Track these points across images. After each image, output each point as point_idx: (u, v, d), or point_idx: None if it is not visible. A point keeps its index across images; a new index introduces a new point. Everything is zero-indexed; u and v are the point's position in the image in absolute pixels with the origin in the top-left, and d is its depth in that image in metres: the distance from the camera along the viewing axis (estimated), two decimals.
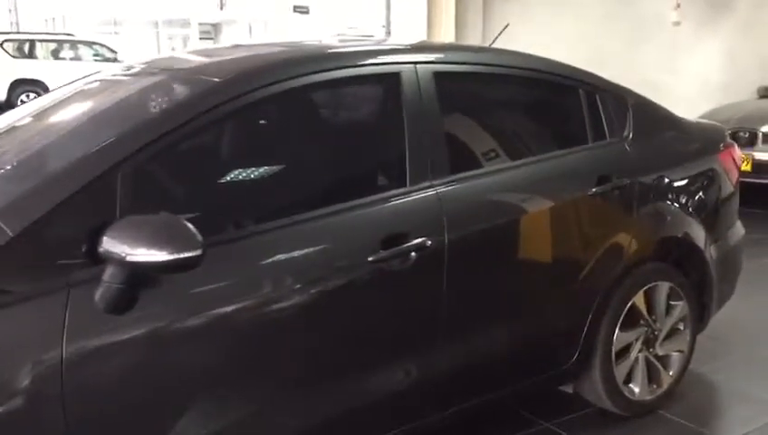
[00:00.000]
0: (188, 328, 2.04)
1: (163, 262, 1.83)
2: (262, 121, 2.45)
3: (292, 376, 2.26)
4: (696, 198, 3.37)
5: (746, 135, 7.26)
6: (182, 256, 1.83)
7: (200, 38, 22.32)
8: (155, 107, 2.15)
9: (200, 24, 23.14)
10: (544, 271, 2.83)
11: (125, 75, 2.70)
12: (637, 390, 3.20)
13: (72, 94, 2.65)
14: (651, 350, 3.22)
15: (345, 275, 2.30)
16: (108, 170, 1.97)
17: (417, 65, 2.59)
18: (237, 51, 2.93)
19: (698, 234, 3.31)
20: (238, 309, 2.11)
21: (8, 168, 2.08)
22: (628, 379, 3.18)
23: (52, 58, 17.51)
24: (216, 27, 23.62)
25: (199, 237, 1.86)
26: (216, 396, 2.11)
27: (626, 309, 3.08)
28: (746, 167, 6.92)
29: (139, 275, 1.89)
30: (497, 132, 2.93)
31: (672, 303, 3.27)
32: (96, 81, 2.72)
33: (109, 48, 18.28)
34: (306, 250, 2.25)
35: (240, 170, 2.35)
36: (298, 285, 2.20)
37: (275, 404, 2.23)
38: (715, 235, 3.43)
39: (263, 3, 22.58)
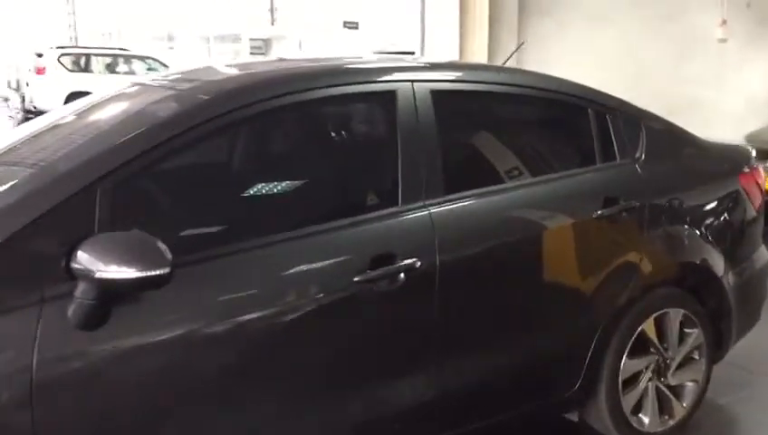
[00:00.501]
0: (163, 346, 2.03)
1: (132, 279, 1.83)
2: (249, 139, 2.45)
3: (270, 399, 2.23)
4: (715, 222, 3.24)
5: None
6: (150, 273, 1.83)
7: (251, 53, 22.69)
8: (139, 124, 2.16)
9: (251, 39, 23.53)
10: (544, 295, 2.75)
11: (132, 90, 2.73)
12: (646, 420, 3.08)
13: (79, 109, 2.69)
14: (662, 379, 3.10)
15: (330, 295, 2.27)
16: (87, 186, 1.98)
17: (415, 83, 2.55)
18: (246, 67, 2.94)
19: (715, 259, 3.18)
20: (215, 328, 2.10)
21: None
22: (638, 409, 3.07)
23: (106, 72, 17.98)
24: (266, 42, 23.97)
25: (168, 255, 1.85)
26: (186, 417, 2.09)
27: (634, 336, 2.97)
28: None
29: (112, 292, 1.89)
30: (497, 153, 2.87)
31: (686, 330, 3.15)
32: (106, 96, 2.75)
33: (161, 62, 18.71)
34: (289, 269, 2.23)
35: (225, 188, 2.35)
36: (279, 304, 2.18)
37: (251, 428, 2.20)
38: (736, 261, 3.30)
39: (313, 19, 22.85)
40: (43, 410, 1.86)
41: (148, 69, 18.34)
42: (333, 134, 2.62)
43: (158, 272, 1.83)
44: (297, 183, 2.47)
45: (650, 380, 3.07)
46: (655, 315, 3.03)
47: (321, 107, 2.51)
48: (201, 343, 2.08)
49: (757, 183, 3.43)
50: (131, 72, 17.98)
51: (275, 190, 2.41)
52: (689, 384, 3.20)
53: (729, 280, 3.23)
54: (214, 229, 2.26)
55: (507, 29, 7.09)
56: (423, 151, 2.50)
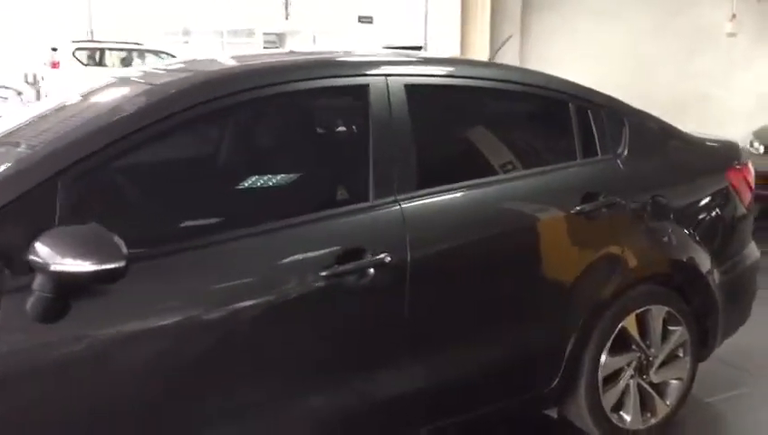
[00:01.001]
0: (124, 340, 2.03)
1: (87, 272, 1.83)
2: (216, 134, 2.45)
3: (234, 396, 2.22)
4: (701, 219, 3.20)
5: None
6: (105, 267, 1.84)
7: (264, 47, 22.72)
8: (103, 118, 2.17)
9: (265, 33, 23.55)
10: (520, 291, 2.73)
11: (110, 84, 2.73)
12: (628, 418, 3.05)
13: (60, 102, 2.70)
14: (645, 376, 3.07)
15: (296, 290, 2.26)
16: (48, 179, 1.99)
17: (388, 77, 2.54)
18: (218, 62, 2.90)
19: (701, 257, 3.14)
20: (175, 323, 2.09)
21: None
22: (619, 406, 3.04)
23: (121, 66, 18.08)
24: (280, 37, 23.99)
25: (124, 250, 1.86)
26: (145, 410, 2.09)
27: (614, 333, 2.94)
28: None
29: (69, 285, 1.89)
30: (473, 147, 2.85)
31: (670, 328, 3.11)
32: (87, 90, 2.75)
33: (175, 57, 18.78)
34: (253, 263, 2.22)
35: (189, 182, 2.34)
36: (242, 299, 2.18)
37: (214, 425, 2.20)
38: (723, 258, 3.25)
39: (327, 13, 22.80)
40: (2, 404, 1.88)
41: None
42: (303, 128, 2.61)
43: (112, 265, 1.84)
44: (264, 178, 2.46)
45: (632, 377, 3.03)
46: (636, 312, 3.00)
47: (291, 101, 2.50)
48: (161, 338, 2.08)
49: (746, 179, 3.38)
50: None
51: (242, 185, 2.40)
52: (673, 382, 3.17)
53: (715, 278, 3.19)
54: (176, 224, 2.25)
55: (510, 24, 7.04)
56: (396, 146, 2.48)
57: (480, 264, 2.61)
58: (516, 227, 2.70)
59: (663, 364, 3.11)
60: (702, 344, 3.24)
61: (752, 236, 3.51)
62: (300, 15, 23.79)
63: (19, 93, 15.42)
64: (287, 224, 2.29)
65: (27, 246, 1.89)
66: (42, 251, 1.85)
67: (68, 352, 1.96)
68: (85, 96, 2.57)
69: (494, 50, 3.21)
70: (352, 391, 2.42)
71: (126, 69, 16.72)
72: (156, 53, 18.96)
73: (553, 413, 3.09)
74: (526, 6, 7.25)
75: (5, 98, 14.59)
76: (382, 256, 2.36)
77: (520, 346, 2.74)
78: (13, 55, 20.01)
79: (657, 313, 3.05)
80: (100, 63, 17.87)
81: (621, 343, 2.99)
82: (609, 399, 2.99)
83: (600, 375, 2.94)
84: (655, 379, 3.09)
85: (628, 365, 3.02)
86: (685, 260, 3.11)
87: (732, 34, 8.56)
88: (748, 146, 7.28)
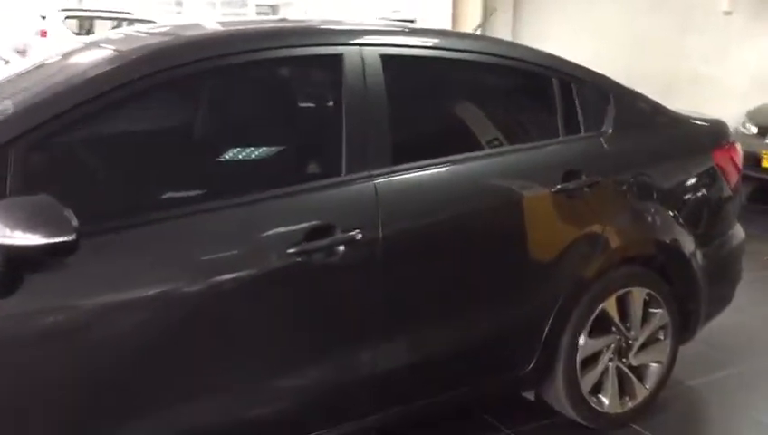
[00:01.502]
0: (79, 317, 1.96)
1: (36, 246, 1.76)
2: (178, 102, 2.34)
3: (198, 377, 2.15)
4: (685, 199, 3.13)
5: None
6: (54, 240, 1.76)
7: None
8: (58, 86, 2.07)
9: (258, 5, 23.24)
10: (496, 272, 2.66)
11: (78, 50, 2.62)
12: (606, 401, 3.00)
13: (25, 68, 2.59)
14: (624, 360, 3.01)
15: (261, 267, 2.18)
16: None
17: (363, 47, 2.44)
18: (198, 27, 2.79)
19: (684, 238, 3.07)
20: (133, 300, 2.02)
21: None
22: (597, 389, 2.98)
23: None
24: (273, 8, 23.68)
25: (74, 223, 1.78)
26: (102, 388, 2.02)
27: (594, 315, 2.88)
28: None
29: (19, 259, 1.81)
30: (451, 122, 2.76)
31: (651, 310, 3.05)
32: (54, 55, 2.64)
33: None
34: (216, 239, 2.14)
35: (148, 154, 2.25)
36: (202, 276, 2.10)
37: (176, 408, 2.13)
38: (707, 240, 3.18)
39: None
40: None
41: None
42: (273, 100, 2.50)
43: (62, 239, 1.76)
44: (230, 151, 2.38)
45: (611, 360, 2.98)
46: (617, 294, 2.94)
47: (260, 70, 2.40)
48: (118, 315, 2.00)
49: (733, 160, 3.30)
50: None
51: (206, 158, 2.31)
52: (653, 365, 3.11)
53: (699, 259, 3.13)
54: (135, 197, 2.16)
55: None
56: (370, 120, 2.40)
57: (455, 242, 2.54)
58: (494, 205, 2.62)
59: (643, 347, 3.05)
60: (683, 327, 3.18)
61: (738, 218, 3.44)
62: None
63: (6, 62, 15.21)
64: (253, 198, 2.21)
65: None
66: None
67: (18, 328, 1.88)
68: (43, 63, 2.46)
69: (479, 24, 3.09)
70: (321, 372, 2.36)
71: (94, 35, 16.50)
72: (147, 22, 18.71)
73: (531, 396, 3.03)
74: None
75: None
76: (353, 232, 2.28)
77: (496, 327, 2.68)
78: (3, 24, 19.76)
79: (638, 295, 2.99)
80: (90, 32, 17.62)
81: (601, 326, 2.93)
82: (587, 382, 2.93)
83: (579, 358, 2.88)
84: (634, 362, 3.03)
85: (608, 348, 2.96)
86: (667, 241, 3.04)
87: (728, 13, 8.44)
88: (741, 127, 7.20)
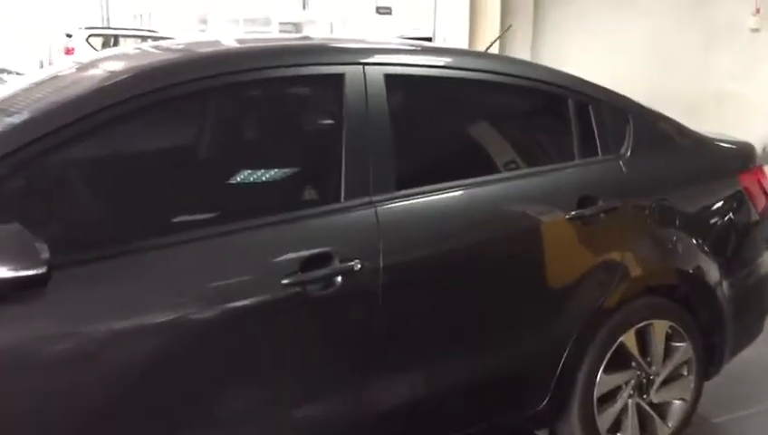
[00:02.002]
0: (56, 351, 1.83)
1: (4, 279, 1.64)
2: (162, 125, 2.22)
3: (180, 419, 2.02)
4: (710, 226, 2.96)
5: None
6: (23, 274, 1.65)
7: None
8: (38, 109, 1.96)
9: (281, 23, 23.32)
10: (505, 304, 2.50)
11: (69, 70, 2.52)
12: None
13: (20, 86, 2.50)
14: (645, 396, 2.84)
15: (252, 299, 2.05)
16: None
17: (366, 66, 2.32)
18: (196, 45, 2.68)
19: (709, 267, 2.90)
20: (116, 335, 1.89)
21: None
22: (616, 428, 2.81)
23: None
24: (297, 26, 23.75)
25: (44, 255, 1.66)
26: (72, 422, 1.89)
27: (612, 350, 2.71)
28: None
29: None
30: (459, 145, 2.62)
31: (673, 344, 2.88)
32: (47, 74, 2.55)
33: None
34: (204, 270, 2.01)
35: (133, 180, 2.12)
36: (189, 310, 1.97)
37: None
38: (733, 269, 3.00)
39: (346, 3, 22.60)
40: None
41: None
42: (269, 122, 2.39)
43: (31, 272, 1.64)
44: (223, 176, 2.25)
45: (630, 397, 2.80)
46: (637, 327, 2.76)
47: (255, 91, 2.28)
48: (94, 351, 1.87)
49: (761, 183, 3.12)
50: None
51: (196, 184, 2.18)
52: (676, 402, 2.93)
53: (725, 290, 2.95)
54: (115, 226, 2.04)
55: (522, 16, 6.76)
56: (372, 142, 2.26)
57: (462, 274, 2.39)
58: (504, 234, 2.47)
59: (665, 383, 2.87)
60: (709, 362, 3.00)
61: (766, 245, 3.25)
62: (318, 5, 23.56)
63: (3, 81, 15.37)
64: (245, 226, 2.08)
65: None
66: None
67: None
68: (33, 84, 2.35)
69: (492, 41, 2.96)
70: (317, 411, 2.21)
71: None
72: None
73: (544, 434, 2.86)
74: None
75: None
76: (352, 263, 2.15)
77: (507, 363, 2.52)
78: (30, 41, 20.03)
79: (660, 327, 2.81)
80: None
81: (619, 360, 2.75)
82: (604, 420, 2.75)
83: (596, 394, 2.71)
84: (656, 399, 2.86)
85: (627, 384, 2.79)
86: (691, 271, 2.87)
87: (755, 30, 8.24)
88: None
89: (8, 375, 1.78)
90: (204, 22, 24.48)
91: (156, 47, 2.60)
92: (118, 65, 2.25)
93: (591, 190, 2.63)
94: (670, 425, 2.92)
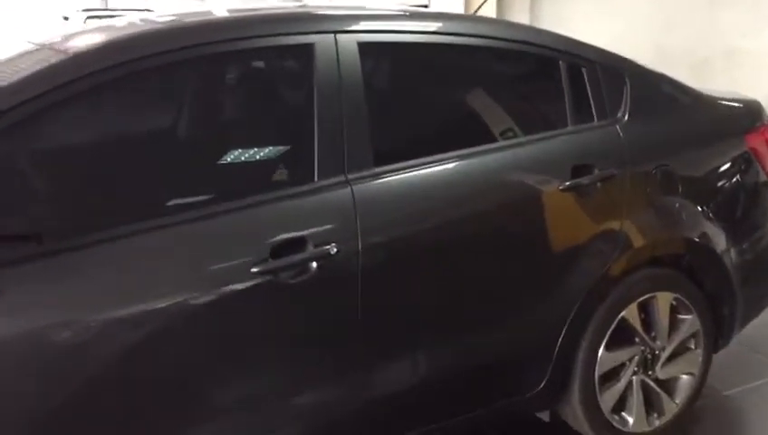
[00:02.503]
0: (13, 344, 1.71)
1: None
2: (121, 104, 2.06)
3: (144, 415, 1.89)
4: (715, 190, 2.79)
5: None
6: None
7: None
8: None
9: None
10: (495, 283, 2.36)
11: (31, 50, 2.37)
12: (630, 420, 2.68)
13: None
14: (650, 373, 2.69)
15: (220, 290, 1.91)
16: None
17: (338, 34, 2.15)
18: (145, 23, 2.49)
19: (715, 234, 2.74)
20: (75, 328, 1.78)
21: None
22: (620, 406, 2.67)
23: None
24: None
25: None
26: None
27: (613, 325, 2.57)
28: None
29: None
30: (440, 116, 2.45)
31: (679, 317, 2.73)
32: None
33: None
34: (168, 260, 1.88)
35: (89, 163, 1.97)
36: (153, 303, 1.84)
37: None
38: (741, 236, 2.84)
39: None
40: None
41: None
42: (234, 98, 2.23)
43: None
44: (186, 157, 2.10)
45: (635, 374, 2.66)
46: (639, 301, 2.62)
47: (216, 65, 2.12)
48: (48, 346, 1.75)
49: None
50: None
51: (155, 167, 2.02)
52: (683, 378, 2.79)
53: (732, 257, 2.79)
54: (73, 215, 1.89)
55: None
56: (346, 117, 2.11)
57: (447, 254, 2.24)
58: (491, 209, 2.32)
59: (671, 358, 2.73)
60: (717, 333, 2.85)
61: None
62: None
63: None
64: (209, 212, 1.94)
65: None
66: None
67: None
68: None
69: (480, 4, 2.76)
70: (296, 408, 2.09)
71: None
72: None
73: (545, 416, 2.73)
74: None
75: None
76: (327, 247, 2.00)
77: (498, 346, 2.38)
78: (25, 24, 19.85)
79: (664, 300, 2.66)
80: None
81: (621, 336, 2.61)
82: (608, 399, 2.62)
83: (597, 373, 2.57)
84: (662, 375, 2.71)
85: (630, 361, 2.65)
86: (696, 239, 2.70)
87: None
88: None
89: None
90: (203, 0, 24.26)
91: (120, 23, 2.42)
92: (74, 43, 2.09)
93: (586, 158, 2.47)
94: (678, 401, 2.78)
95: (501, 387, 2.45)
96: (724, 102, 2.96)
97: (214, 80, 2.19)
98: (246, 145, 2.14)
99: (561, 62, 2.53)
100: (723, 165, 2.81)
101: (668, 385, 2.76)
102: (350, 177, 2.09)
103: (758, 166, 2.90)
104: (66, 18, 17.84)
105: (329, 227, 2.04)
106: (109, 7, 20.91)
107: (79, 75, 1.83)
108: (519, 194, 2.36)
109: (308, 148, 2.08)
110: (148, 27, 2.18)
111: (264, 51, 2.14)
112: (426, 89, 2.44)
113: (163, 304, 1.84)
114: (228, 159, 2.11)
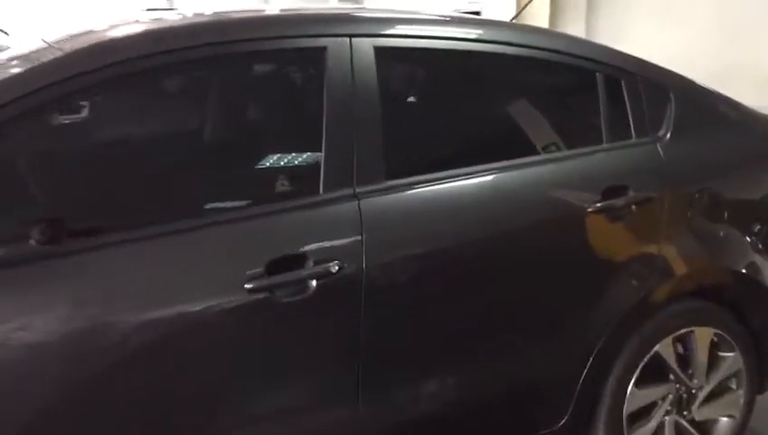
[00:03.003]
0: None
1: None
2: (118, 106, 1.96)
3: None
4: (763, 218, 2.56)
5: None
6: None
7: None
8: None
9: None
10: (512, 308, 2.18)
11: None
12: None
13: None
14: (685, 413, 2.48)
15: (208, 307, 1.79)
16: None
17: (353, 38, 2.02)
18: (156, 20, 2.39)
19: (762, 265, 2.51)
20: (57, 345, 1.67)
21: None
22: None
23: None
24: None
25: None
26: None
27: (645, 360, 2.37)
28: None
29: None
30: (461, 129, 2.28)
31: (720, 354, 2.51)
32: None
33: None
34: (155, 272, 1.77)
35: (83, 168, 1.87)
36: (137, 317, 1.73)
37: None
38: None
39: None
40: None
41: None
42: (236, 103, 2.12)
43: None
44: (181, 166, 1.98)
45: (668, 414, 2.46)
46: (675, 335, 2.41)
47: (218, 68, 2.00)
48: (31, 361, 1.66)
49: None
50: None
51: (145, 175, 1.91)
52: (722, 420, 2.57)
53: None
54: (60, 222, 1.79)
55: None
56: (358, 126, 1.97)
57: (461, 275, 2.08)
58: (512, 230, 2.14)
59: (709, 398, 2.51)
60: (762, 374, 2.62)
61: None
62: None
63: None
64: (204, 222, 1.83)
65: None
66: None
67: None
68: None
69: (519, 11, 2.60)
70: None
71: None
72: None
73: None
74: None
75: None
76: (328, 264, 1.87)
77: (513, 377, 2.20)
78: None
79: (703, 335, 2.45)
80: None
81: (655, 373, 2.41)
82: None
83: (626, 411, 2.38)
84: (698, 416, 2.50)
85: (663, 399, 2.44)
86: (741, 269, 2.49)
87: None
88: None
89: None
90: None
91: (119, 22, 2.33)
92: (73, 42, 2.00)
93: (620, 179, 2.28)
94: None
95: (515, 422, 2.27)
96: None
97: (214, 84, 2.08)
98: (248, 152, 2.03)
99: (597, 74, 2.35)
100: None
101: (705, 427, 2.54)
102: (358, 190, 1.95)
103: None
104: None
105: (331, 243, 1.90)
106: (173, 7, 21.25)
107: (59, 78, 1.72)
108: (543, 216, 2.19)
109: (313, 158, 1.95)
110: (150, 27, 2.07)
111: (270, 54, 2.01)
112: (447, 99, 2.28)
113: (147, 318, 1.73)
114: (227, 167, 1.99)
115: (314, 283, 1.86)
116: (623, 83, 2.38)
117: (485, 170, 2.13)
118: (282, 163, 2.05)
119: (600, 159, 2.32)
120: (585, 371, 2.28)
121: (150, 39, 1.89)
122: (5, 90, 1.69)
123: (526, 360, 2.22)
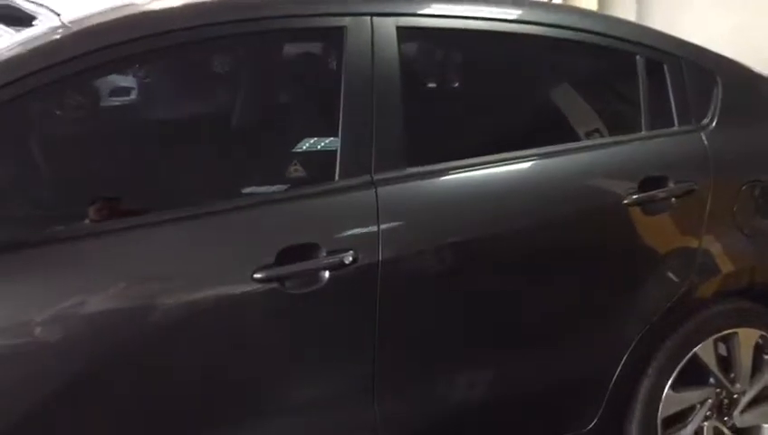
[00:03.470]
0: None
1: None
2: (124, 88, 1.91)
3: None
4: None
5: None
6: None
7: None
8: None
9: None
10: (539, 304, 2.07)
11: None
12: None
13: None
14: (726, 419, 2.34)
15: (215, 295, 1.72)
16: None
17: (374, 17, 1.92)
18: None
19: None
20: (60, 331, 1.63)
21: None
22: None
23: None
24: None
25: None
26: None
27: (683, 361, 2.24)
28: None
29: None
30: (488, 114, 2.16)
31: (766, 357, 2.36)
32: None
33: None
34: (161, 260, 1.71)
35: (78, 153, 1.83)
36: (143, 306, 1.67)
37: None
38: None
39: None
40: None
41: None
42: (250, 84, 2.03)
43: None
44: (192, 151, 1.91)
45: (706, 419, 2.32)
46: (716, 336, 2.27)
47: (230, 48, 1.93)
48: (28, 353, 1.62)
49: None
50: None
51: (153, 158, 1.85)
52: (766, 427, 2.41)
53: None
54: (63, 207, 1.76)
55: None
56: (378, 110, 1.87)
57: (484, 269, 1.97)
58: (541, 222, 2.02)
59: (753, 404, 2.37)
60: None
61: None
62: None
63: None
64: (213, 209, 1.76)
65: None
66: None
67: None
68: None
69: None
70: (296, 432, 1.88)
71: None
72: None
73: None
74: None
75: None
76: (342, 255, 1.78)
77: (539, 375, 2.09)
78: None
79: (747, 337, 2.31)
80: None
81: (694, 375, 2.27)
82: None
83: (661, 415, 2.25)
84: (740, 423, 2.36)
85: (702, 404, 2.30)
86: None
87: None
88: None
89: None
90: None
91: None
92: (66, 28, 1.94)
93: (659, 170, 2.14)
94: None
95: (542, 423, 2.17)
96: None
97: (227, 64, 2.01)
98: (261, 136, 1.95)
99: (638, 57, 2.20)
100: None
101: None
102: (376, 177, 1.86)
103: None
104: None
105: (346, 232, 1.81)
106: None
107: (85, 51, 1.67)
108: (575, 207, 2.06)
109: (330, 142, 1.86)
110: (160, 6, 2.00)
111: (286, 33, 1.93)
112: (474, 82, 2.17)
113: (150, 306, 1.68)
114: (239, 151, 1.92)
115: (327, 274, 1.78)
116: (665, 67, 2.23)
117: (512, 159, 2.01)
118: (296, 148, 1.97)
119: (637, 148, 2.18)
120: (618, 371, 2.16)
121: (194, 12, 1.82)
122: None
123: (552, 358, 2.10)
